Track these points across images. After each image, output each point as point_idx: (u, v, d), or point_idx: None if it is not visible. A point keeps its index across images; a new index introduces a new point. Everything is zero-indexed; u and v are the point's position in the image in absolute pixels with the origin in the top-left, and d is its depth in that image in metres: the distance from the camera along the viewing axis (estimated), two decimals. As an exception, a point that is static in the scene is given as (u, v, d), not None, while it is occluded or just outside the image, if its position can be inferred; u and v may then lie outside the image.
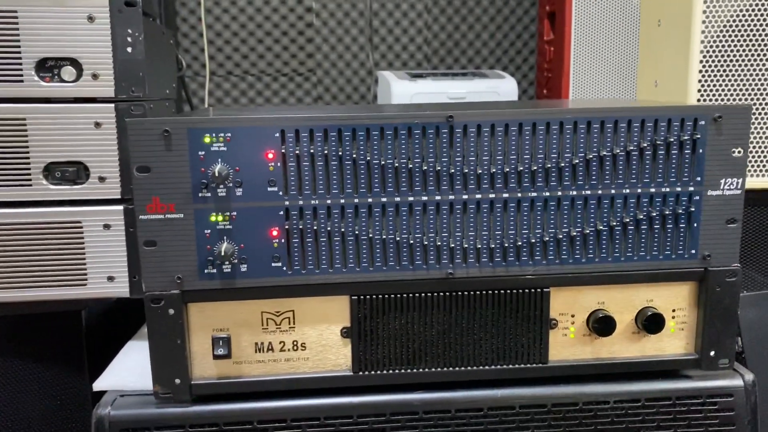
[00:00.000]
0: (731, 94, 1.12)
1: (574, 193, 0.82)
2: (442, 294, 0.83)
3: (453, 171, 0.80)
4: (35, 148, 0.94)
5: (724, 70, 1.12)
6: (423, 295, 0.83)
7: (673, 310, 0.87)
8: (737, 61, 1.11)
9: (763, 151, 1.13)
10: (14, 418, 1.05)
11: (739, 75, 1.11)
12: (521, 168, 0.81)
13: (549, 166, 0.81)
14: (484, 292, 0.83)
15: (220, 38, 2.11)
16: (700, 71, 1.11)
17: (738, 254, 0.84)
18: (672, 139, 0.81)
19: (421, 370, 0.85)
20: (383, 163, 0.79)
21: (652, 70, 1.34)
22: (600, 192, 0.82)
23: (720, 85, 1.12)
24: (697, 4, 1.10)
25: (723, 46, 1.11)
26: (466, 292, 0.83)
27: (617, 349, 0.87)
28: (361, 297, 0.83)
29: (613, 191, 0.82)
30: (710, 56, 1.11)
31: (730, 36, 1.11)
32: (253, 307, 0.82)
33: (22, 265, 0.96)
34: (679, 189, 0.83)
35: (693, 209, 0.83)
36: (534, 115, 0.80)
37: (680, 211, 0.83)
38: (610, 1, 1.78)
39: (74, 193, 0.96)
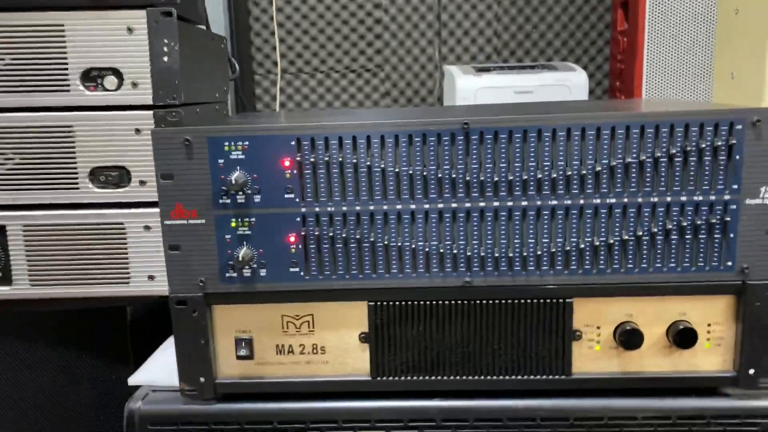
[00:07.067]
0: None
1: (598, 201, 0.79)
2: (459, 302, 0.82)
3: (469, 178, 0.79)
4: (81, 154, 1.00)
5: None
6: (440, 302, 0.82)
7: (709, 325, 0.82)
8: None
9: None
10: (70, 403, 1.12)
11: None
12: (540, 175, 0.78)
13: (570, 173, 0.78)
14: (503, 301, 0.82)
15: (291, 36, 2.15)
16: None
17: (781, 267, 0.79)
18: (704, 146, 0.76)
19: (439, 377, 0.84)
20: (398, 170, 0.79)
21: (728, 61, 1.27)
22: (626, 200, 0.78)
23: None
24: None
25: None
26: (484, 301, 0.82)
27: (647, 364, 0.83)
28: (378, 303, 0.83)
29: (639, 200, 0.78)
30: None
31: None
32: (274, 311, 0.84)
33: (69, 263, 1.02)
34: (713, 198, 0.78)
35: (729, 219, 0.78)
36: (556, 121, 0.77)
37: (714, 220, 0.78)
38: (686, -11, 1.69)
39: (117, 195, 1.01)
